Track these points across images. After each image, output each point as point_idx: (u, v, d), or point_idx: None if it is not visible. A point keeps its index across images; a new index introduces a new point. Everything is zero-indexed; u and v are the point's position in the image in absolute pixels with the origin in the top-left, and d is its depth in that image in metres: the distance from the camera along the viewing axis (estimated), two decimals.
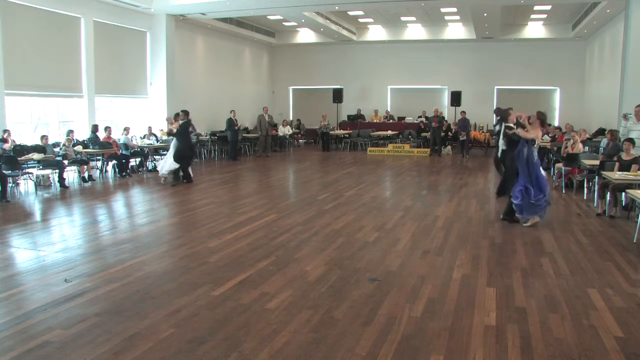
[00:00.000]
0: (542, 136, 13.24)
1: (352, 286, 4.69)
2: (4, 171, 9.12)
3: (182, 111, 10.99)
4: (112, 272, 5.07)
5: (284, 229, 6.91)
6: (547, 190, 7.17)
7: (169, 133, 11.48)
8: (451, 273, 5.09)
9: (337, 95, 20.16)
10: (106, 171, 12.27)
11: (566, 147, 10.50)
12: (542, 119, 7.21)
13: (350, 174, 12.52)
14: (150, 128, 14.05)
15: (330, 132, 19.14)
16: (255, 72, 22.17)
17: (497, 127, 10.14)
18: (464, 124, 16.79)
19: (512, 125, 7.91)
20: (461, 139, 16.84)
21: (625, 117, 10.18)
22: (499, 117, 10.16)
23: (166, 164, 10.77)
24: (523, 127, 7.19)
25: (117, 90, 14.71)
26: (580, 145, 10.33)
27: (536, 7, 16.01)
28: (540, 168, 7.26)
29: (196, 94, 17.68)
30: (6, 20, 11.21)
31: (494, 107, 14.09)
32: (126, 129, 12.67)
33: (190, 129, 11.12)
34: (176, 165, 10.61)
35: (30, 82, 12.00)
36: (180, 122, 10.79)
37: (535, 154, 7.07)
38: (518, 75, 20.18)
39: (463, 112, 16.93)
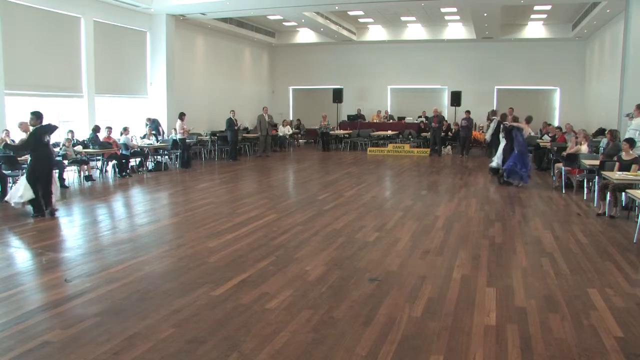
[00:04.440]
0: (542, 136, 14.15)
1: (352, 286, 4.69)
2: (3, 171, 9.12)
3: (32, 114, 7.80)
4: (112, 272, 5.07)
5: (284, 229, 6.91)
6: (529, 167, 10.66)
7: (10, 147, 8.47)
8: (451, 273, 5.09)
9: (337, 95, 20.15)
10: (106, 171, 12.27)
11: (569, 146, 10.72)
12: (528, 120, 11.30)
13: (350, 174, 12.52)
14: (149, 128, 14.04)
15: (330, 132, 19.15)
16: (255, 72, 22.18)
17: (491, 124, 14.18)
18: (469, 123, 16.71)
19: (507, 123, 11.25)
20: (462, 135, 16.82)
21: (629, 116, 10.17)
22: (495, 117, 13.98)
23: (20, 187, 7.71)
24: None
25: (117, 90, 14.71)
26: (582, 148, 10.30)
27: (536, 7, 16.01)
28: (528, 154, 10.91)
29: (196, 94, 17.68)
30: (6, 20, 11.21)
31: (492, 109, 16.67)
32: (126, 129, 12.66)
33: (47, 138, 7.84)
34: (29, 190, 7.58)
35: (30, 82, 12.00)
36: (31, 128, 7.79)
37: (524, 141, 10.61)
38: (518, 75, 20.18)
39: (467, 112, 16.81)
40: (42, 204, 7.65)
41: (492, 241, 6.36)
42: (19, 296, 4.45)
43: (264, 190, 10.35)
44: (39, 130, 7.71)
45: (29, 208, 7.69)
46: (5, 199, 8.02)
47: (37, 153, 7.67)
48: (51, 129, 8.00)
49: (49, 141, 7.95)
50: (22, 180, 7.73)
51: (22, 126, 8.95)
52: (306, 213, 7.92)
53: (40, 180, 7.64)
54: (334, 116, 20.39)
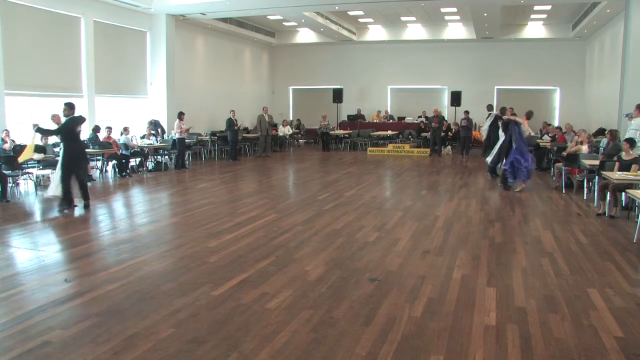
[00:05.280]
0: (542, 136, 14.14)
1: (352, 286, 4.69)
2: (4, 171, 9.12)
3: (65, 104, 8.08)
4: (112, 272, 5.07)
5: (284, 229, 6.91)
6: (529, 162, 9.87)
7: (42, 131, 8.28)
8: (451, 273, 5.09)
9: (337, 95, 20.16)
10: (106, 171, 12.27)
11: (570, 145, 10.73)
12: (528, 115, 10.79)
13: (350, 174, 12.52)
14: (149, 128, 14.04)
15: (330, 132, 19.15)
16: (255, 72, 22.17)
17: (487, 119, 14.26)
18: (468, 123, 16.68)
19: (505, 117, 10.68)
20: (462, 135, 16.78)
21: (628, 116, 10.17)
22: (491, 112, 14.18)
23: (55, 180, 8.06)
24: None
25: (117, 90, 14.71)
26: (583, 148, 10.30)
27: (536, 7, 16.00)
28: (527, 148, 10.23)
29: (196, 93, 17.68)
30: (6, 20, 11.21)
31: (489, 104, 16.64)
32: (125, 129, 12.67)
33: (78, 128, 8.19)
34: (59, 186, 7.87)
35: (30, 82, 12.00)
36: (65, 118, 8.09)
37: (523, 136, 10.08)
38: (518, 75, 20.18)
39: (466, 112, 16.79)
40: (72, 198, 7.90)
41: (492, 241, 6.36)
42: (19, 296, 4.45)
43: (264, 190, 10.35)
44: (71, 121, 7.99)
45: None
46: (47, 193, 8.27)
47: (70, 144, 7.95)
48: (81, 120, 8.30)
49: (79, 132, 8.25)
50: (56, 176, 7.98)
51: (55, 118, 9.29)
52: (306, 213, 7.92)
53: (75, 172, 7.94)
54: (334, 116, 20.39)
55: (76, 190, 8.01)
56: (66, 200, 7.90)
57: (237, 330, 3.76)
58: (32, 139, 8.63)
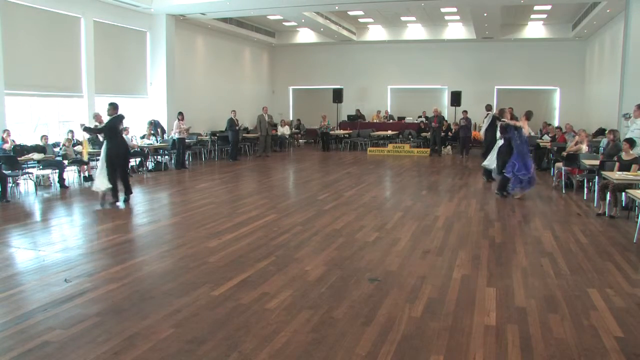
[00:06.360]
0: (542, 136, 14.06)
1: (352, 286, 4.69)
2: (4, 171, 9.13)
3: (110, 104, 8.61)
4: (112, 272, 5.07)
5: (284, 229, 6.91)
6: (532, 170, 9.09)
7: (89, 130, 8.95)
8: (451, 273, 5.09)
9: (337, 95, 20.17)
10: None
11: (569, 145, 10.67)
12: (527, 116, 9.73)
13: (350, 174, 12.52)
14: (149, 128, 14.04)
15: (330, 132, 19.15)
16: (255, 72, 22.17)
17: (485, 120, 12.61)
18: (467, 123, 16.67)
19: (505, 120, 9.64)
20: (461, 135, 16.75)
21: (625, 117, 10.18)
22: (489, 112, 12.66)
23: (100, 175, 8.51)
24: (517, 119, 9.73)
25: (117, 90, 14.69)
26: (583, 148, 10.29)
27: (536, 7, 16.00)
28: (529, 154, 9.44)
29: (196, 94, 17.68)
30: (6, 20, 11.21)
31: (488, 103, 15.66)
32: (125, 129, 12.64)
33: (121, 126, 8.75)
34: (105, 179, 8.39)
35: (30, 82, 11.99)
36: (109, 117, 8.57)
37: (525, 140, 9.23)
38: (518, 75, 20.18)
39: (465, 112, 16.80)
40: (117, 191, 8.44)
41: (492, 241, 6.36)
42: (19, 296, 4.45)
43: (264, 190, 10.35)
44: (115, 120, 8.51)
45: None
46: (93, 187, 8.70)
47: (114, 140, 8.48)
48: (123, 117, 8.76)
49: (122, 130, 8.92)
50: (99, 171, 8.50)
51: (97, 118, 9.62)
52: (306, 213, 7.92)
53: (120, 166, 8.54)
54: (334, 116, 20.40)
55: (119, 185, 8.53)
56: (114, 192, 8.41)
57: (237, 330, 3.76)
58: (83, 138, 10.13)
